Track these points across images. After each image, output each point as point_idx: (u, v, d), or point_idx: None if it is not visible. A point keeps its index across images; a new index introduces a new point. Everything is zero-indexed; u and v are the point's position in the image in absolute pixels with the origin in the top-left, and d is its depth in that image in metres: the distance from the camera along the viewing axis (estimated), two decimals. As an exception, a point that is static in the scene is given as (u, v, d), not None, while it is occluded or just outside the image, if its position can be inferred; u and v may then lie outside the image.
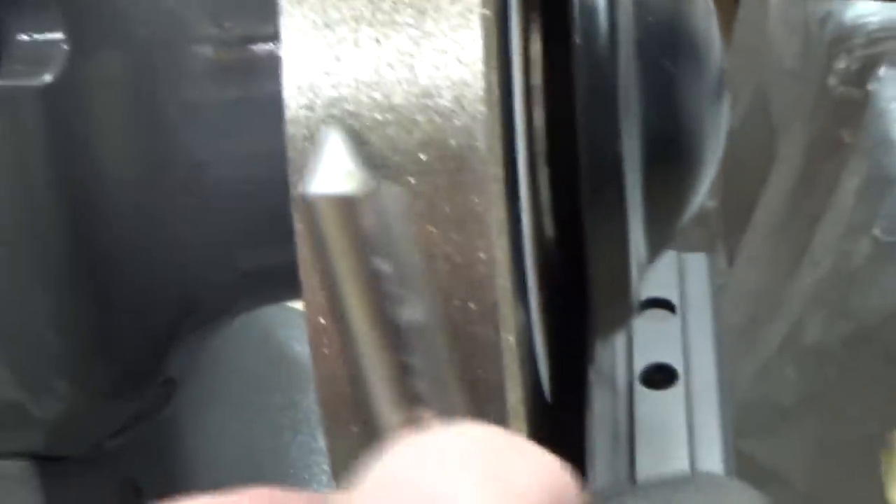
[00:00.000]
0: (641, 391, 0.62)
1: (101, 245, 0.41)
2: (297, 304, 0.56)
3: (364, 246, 0.28)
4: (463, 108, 0.31)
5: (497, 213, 0.32)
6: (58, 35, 0.39)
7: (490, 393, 0.33)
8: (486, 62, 0.31)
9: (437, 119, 0.31)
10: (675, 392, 0.62)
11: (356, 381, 0.29)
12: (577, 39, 0.38)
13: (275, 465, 0.59)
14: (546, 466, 0.27)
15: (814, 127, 0.97)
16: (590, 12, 0.38)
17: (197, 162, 0.41)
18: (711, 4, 0.44)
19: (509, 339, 0.33)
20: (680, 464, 0.59)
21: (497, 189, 0.32)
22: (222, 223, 0.41)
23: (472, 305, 0.32)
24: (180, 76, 0.40)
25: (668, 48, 0.40)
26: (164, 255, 0.41)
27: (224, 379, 0.58)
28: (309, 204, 0.28)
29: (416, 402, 0.29)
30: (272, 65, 0.40)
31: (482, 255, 0.32)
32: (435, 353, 0.29)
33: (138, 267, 0.41)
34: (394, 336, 0.29)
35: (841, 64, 0.95)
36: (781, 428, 0.98)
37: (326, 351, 0.33)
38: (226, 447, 0.58)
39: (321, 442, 0.59)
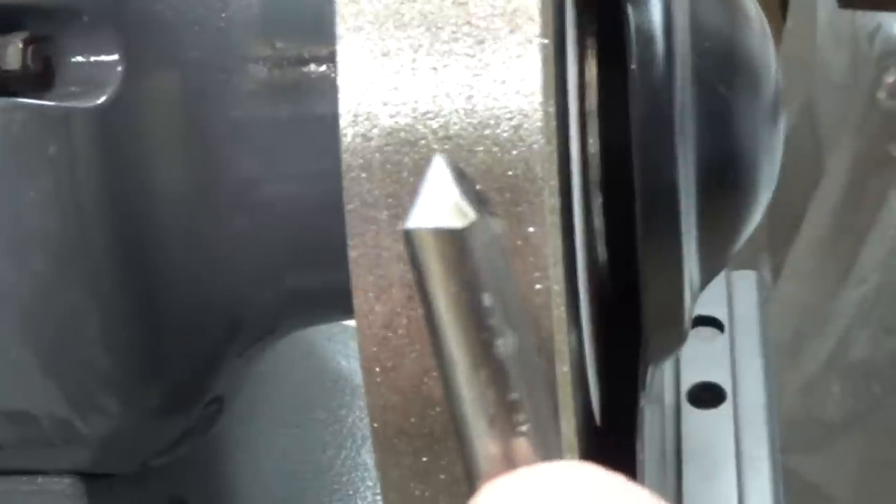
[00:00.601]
0: (689, 410, 0.62)
1: (152, 265, 0.41)
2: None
3: (467, 279, 0.28)
4: (521, 139, 0.31)
5: (553, 244, 0.32)
6: (112, 57, 0.39)
7: (546, 427, 0.32)
8: (545, 93, 0.31)
9: (495, 150, 0.31)
10: (723, 411, 0.61)
11: (454, 414, 0.29)
12: (634, 66, 0.37)
13: (319, 481, 0.59)
14: None
15: (862, 141, 0.96)
16: (646, 39, 0.38)
17: (247, 182, 0.40)
18: (767, 26, 0.43)
19: (564, 370, 0.33)
20: (727, 484, 0.59)
21: (553, 220, 0.32)
22: (272, 243, 0.41)
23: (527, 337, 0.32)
24: (232, 97, 0.40)
25: (724, 73, 0.40)
26: (214, 275, 0.41)
27: (268, 393, 0.58)
28: (412, 236, 0.28)
29: (517, 436, 0.28)
30: (324, 86, 0.40)
31: (538, 286, 0.31)
32: (534, 387, 0.29)
33: (188, 286, 0.41)
34: (495, 369, 0.28)
35: (890, 78, 0.94)
36: (826, 444, 0.98)
37: (379, 380, 0.33)
38: (270, 463, 0.57)
39: (366, 457, 0.59)
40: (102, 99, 0.39)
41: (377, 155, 0.31)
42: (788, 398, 0.98)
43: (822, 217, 0.99)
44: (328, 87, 0.39)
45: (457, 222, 0.27)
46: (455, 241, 0.28)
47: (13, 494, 0.44)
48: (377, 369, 0.33)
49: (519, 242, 0.31)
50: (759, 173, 0.42)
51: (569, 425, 0.34)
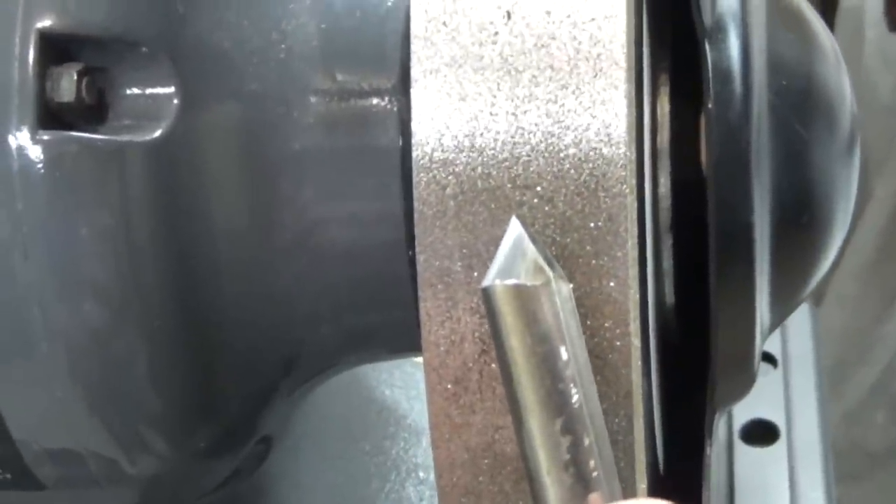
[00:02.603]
0: (741, 448, 0.60)
1: (206, 304, 0.39)
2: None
3: (545, 333, 0.29)
4: (605, 189, 0.29)
5: (633, 299, 0.30)
6: (169, 89, 0.38)
7: (623, 486, 0.31)
8: (629, 140, 0.30)
9: (577, 200, 0.30)
10: (777, 450, 0.60)
11: (528, 461, 0.30)
12: (711, 105, 0.36)
13: (364, 516, 0.58)
14: None
15: (910, 165, 0.95)
16: (724, 76, 0.36)
17: (306, 219, 0.39)
18: (842, 60, 0.42)
19: (640, 425, 0.32)
20: (782, 526, 0.57)
21: (633, 273, 0.30)
22: (331, 282, 0.40)
23: (605, 392, 0.31)
24: (292, 130, 0.39)
25: (801, 111, 0.38)
26: (270, 314, 0.40)
27: (313, 424, 0.57)
28: (492, 292, 0.28)
29: (590, 483, 0.29)
30: (387, 120, 0.38)
31: (619, 343, 0.30)
32: (603, 437, 0.30)
33: (243, 326, 0.40)
34: (570, 419, 0.29)
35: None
36: (870, 474, 0.96)
37: (448, 436, 0.31)
38: (316, 497, 0.56)
39: (409, 491, 0.58)
40: (158, 133, 0.37)
41: (451, 203, 0.30)
42: (831, 427, 0.96)
43: (867, 242, 0.98)
44: (391, 122, 0.38)
45: (536, 280, 0.28)
46: (534, 297, 0.29)
47: (57, 535, 0.43)
48: (446, 426, 0.31)
49: (599, 297, 0.30)
50: (835, 213, 0.40)
51: (643, 481, 0.33)
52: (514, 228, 0.29)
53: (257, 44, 0.39)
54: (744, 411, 0.61)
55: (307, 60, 0.39)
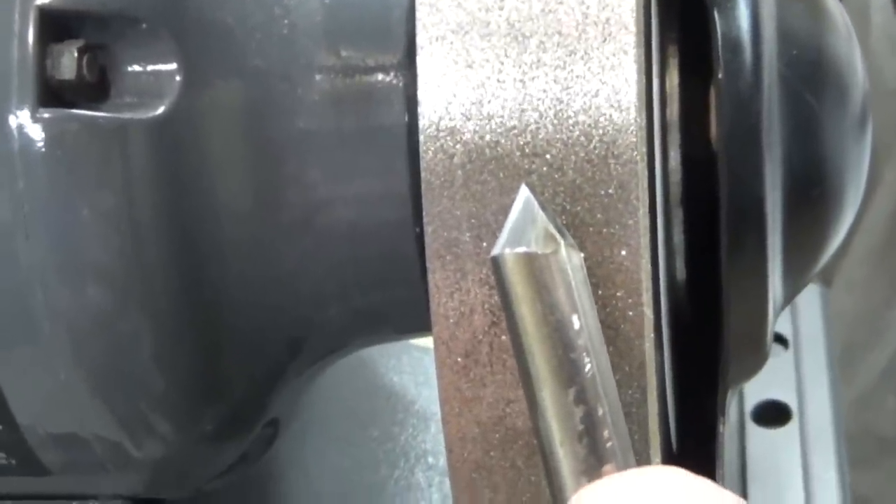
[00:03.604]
0: (753, 429, 0.60)
1: (211, 284, 0.39)
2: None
3: (556, 301, 0.28)
4: (615, 155, 0.29)
5: (646, 268, 0.30)
6: (170, 66, 0.37)
7: (637, 459, 0.31)
8: (640, 106, 0.29)
9: (587, 167, 0.29)
10: (789, 431, 0.59)
11: (540, 432, 0.29)
12: (721, 75, 0.35)
13: (372, 501, 0.57)
14: None
15: (918, 149, 0.94)
16: (734, 47, 0.36)
17: (312, 197, 0.39)
18: (853, 33, 0.41)
19: (653, 397, 0.31)
20: (795, 507, 0.57)
21: (645, 242, 0.30)
22: (337, 261, 0.39)
23: (618, 364, 0.30)
24: (296, 107, 0.38)
25: (812, 82, 0.38)
26: (277, 294, 0.39)
27: (321, 410, 0.57)
28: (501, 261, 0.28)
29: (602, 456, 0.29)
30: (391, 96, 0.38)
31: (631, 313, 0.30)
32: (616, 408, 0.29)
33: (248, 306, 0.39)
34: (582, 388, 0.29)
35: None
36: (881, 459, 0.96)
37: (458, 411, 0.31)
38: (324, 483, 0.56)
39: (419, 477, 0.57)
40: (160, 110, 0.37)
41: (459, 173, 0.30)
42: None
43: (876, 226, 0.97)
44: (397, 97, 0.37)
45: (547, 248, 0.28)
46: (545, 265, 0.28)
47: (63, 520, 0.43)
48: (456, 400, 0.31)
49: (610, 266, 0.29)
50: (846, 187, 0.40)
51: (657, 455, 0.32)
52: (524, 196, 0.29)
53: (259, 19, 0.38)
54: (755, 392, 0.60)
55: (311, 36, 0.39)
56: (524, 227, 0.28)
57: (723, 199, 0.36)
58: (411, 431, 0.59)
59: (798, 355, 0.62)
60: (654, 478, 0.28)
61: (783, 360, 0.62)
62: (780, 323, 0.63)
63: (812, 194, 0.39)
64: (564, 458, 0.29)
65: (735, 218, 0.36)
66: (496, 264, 0.28)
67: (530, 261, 0.28)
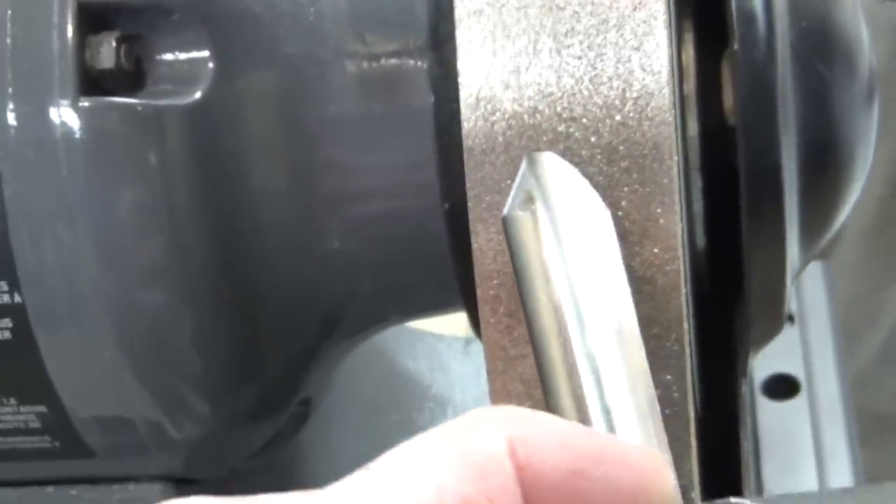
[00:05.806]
0: (764, 402, 0.61)
1: (247, 264, 0.40)
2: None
3: (558, 258, 0.28)
4: (649, 118, 0.30)
5: (680, 225, 0.31)
6: (203, 53, 0.38)
7: (675, 410, 0.32)
8: (671, 71, 0.30)
9: (622, 130, 0.30)
10: (798, 403, 0.61)
11: (544, 384, 0.29)
12: (737, 46, 0.37)
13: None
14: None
15: (906, 131, 0.95)
16: (748, 18, 0.37)
17: (344, 177, 0.40)
18: (858, 5, 0.43)
19: (690, 351, 0.33)
20: (808, 476, 0.58)
21: (679, 200, 0.31)
22: (370, 240, 0.40)
23: (656, 318, 0.31)
24: (325, 92, 0.39)
25: (822, 52, 0.39)
26: (310, 274, 0.41)
27: (341, 395, 0.58)
28: (508, 221, 0.28)
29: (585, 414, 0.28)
30: (416, 78, 0.39)
31: (668, 267, 0.31)
32: (628, 363, 0.28)
33: (284, 286, 0.41)
34: (583, 350, 0.28)
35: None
36: (879, 438, 0.97)
37: (502, 368, 0.32)
38: (348, 466, 0.57)
39: (438, 460, 0.58)
40: (196, 96, 0.38)
41: (500, 139, 0.31)
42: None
43: (869, 208, 0.99)
44: (422, 79, 0.39)
45: (522, 209, 0.28)
46: (519, 224, 0.28)
47: (104, 503, 0.44)
48: (500, 358, 0.32)
49: (647, 223, 0.31)
50: (856, 153, 0.41)
51: (692, 407, 0.34)
52: (536, 154, 0.29)
53: (287, 7, 0.40)
54: (764, 366, 0.62)
55: (337, 22, 0.40)
56: (517, 192, 0.29)
57: (741, 166, 0.37)
58: (427, 415, 0.60)
59: (804, 329, 0.63)
60: None
61: (789, 335, 0.63)
62: (785, 299, 0.65)
63: (826, 160, 0.40)
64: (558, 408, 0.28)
65: (754, 183, 0.38)
66: (505, 223, 0.29)
67: (506, 222, 0.29)
